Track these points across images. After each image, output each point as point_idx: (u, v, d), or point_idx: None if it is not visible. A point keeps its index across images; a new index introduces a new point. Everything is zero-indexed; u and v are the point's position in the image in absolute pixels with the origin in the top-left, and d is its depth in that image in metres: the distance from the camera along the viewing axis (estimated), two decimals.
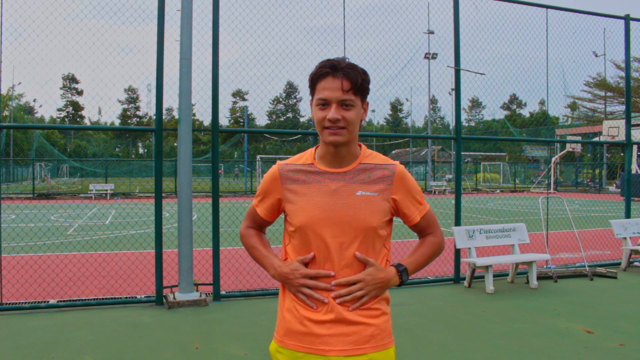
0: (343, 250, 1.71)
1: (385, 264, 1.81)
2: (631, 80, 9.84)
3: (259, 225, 1.96)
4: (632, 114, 13.65)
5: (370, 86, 1.76)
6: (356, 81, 1.68)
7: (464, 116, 77.56)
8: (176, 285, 6.17)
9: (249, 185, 32.76)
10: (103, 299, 6.19)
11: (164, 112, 8.31)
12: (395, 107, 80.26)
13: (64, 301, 6.01)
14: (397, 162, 1.83)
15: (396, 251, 8.26)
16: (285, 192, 1.81)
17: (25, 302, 5.99)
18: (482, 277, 7.08)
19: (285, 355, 1.76)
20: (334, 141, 1.71)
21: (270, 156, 42.64)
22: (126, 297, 6.28)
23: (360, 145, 1.84)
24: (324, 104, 1.69)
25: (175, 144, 44.61)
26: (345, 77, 1.67)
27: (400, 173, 1.80)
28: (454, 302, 6.33)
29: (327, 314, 1.71)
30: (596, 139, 30.43)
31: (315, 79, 1.72)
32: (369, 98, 1.78)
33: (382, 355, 1.73)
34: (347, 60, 1.71)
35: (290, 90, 73.05)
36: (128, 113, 73.24)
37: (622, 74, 30.16)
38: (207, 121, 36.13)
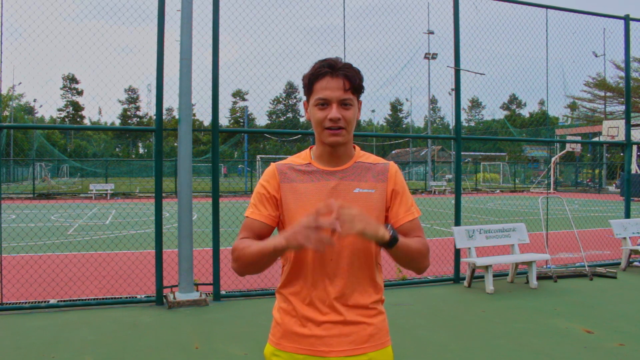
0: (341, 249, 1.70)
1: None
2: (631, 81, 9.84)
3: (257, 234, 1.76)
4: (632, 114, 13.64)
5: (371, 86, 1.77)
6: (355, 81, 1.70)
7: (463, 116, 77.59)
8: (176, 285, 6.17)
9: (249, 185, 32.75)
10: (103, 299, 6.19)
11: (164, 112, 8.31)
12: (395, 107, 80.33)
13: (64, 301, 6.02)
14: (390, 162, 1.86)
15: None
16: (284, 191, 1.76)
17: (25, 302, 6.00)
18: (482, 277, 7.09)
19: (283, 359, 1.74)
20: (334, 142, 1.71)
21: (270, 156, 42.64)
22: (126, 297, 6.28)
23: (354, 147, 1.85)
24: (324, 103, 1.69)
25: (175, 144, 44.59)
26: (345, 77, 1.68)
27: (394, 169, 1.82)
28: (454, 302, 6.33)
29: (326, 314, 1.70)
30: (596, 139, 30.43)
31: (313, 79, 1.71)
32: (366, 97, 1.78)
33: (381, 354, 1.74)
34: (340, 59, 1.73)
35: (290, 90, 73.01)
36: (128, 113, 73.25)
37: (622, 74, 30.12)
38: (207, 121, 36.13)
